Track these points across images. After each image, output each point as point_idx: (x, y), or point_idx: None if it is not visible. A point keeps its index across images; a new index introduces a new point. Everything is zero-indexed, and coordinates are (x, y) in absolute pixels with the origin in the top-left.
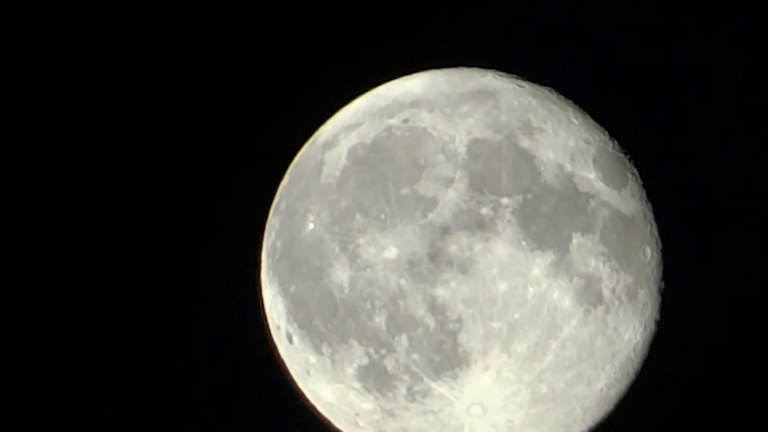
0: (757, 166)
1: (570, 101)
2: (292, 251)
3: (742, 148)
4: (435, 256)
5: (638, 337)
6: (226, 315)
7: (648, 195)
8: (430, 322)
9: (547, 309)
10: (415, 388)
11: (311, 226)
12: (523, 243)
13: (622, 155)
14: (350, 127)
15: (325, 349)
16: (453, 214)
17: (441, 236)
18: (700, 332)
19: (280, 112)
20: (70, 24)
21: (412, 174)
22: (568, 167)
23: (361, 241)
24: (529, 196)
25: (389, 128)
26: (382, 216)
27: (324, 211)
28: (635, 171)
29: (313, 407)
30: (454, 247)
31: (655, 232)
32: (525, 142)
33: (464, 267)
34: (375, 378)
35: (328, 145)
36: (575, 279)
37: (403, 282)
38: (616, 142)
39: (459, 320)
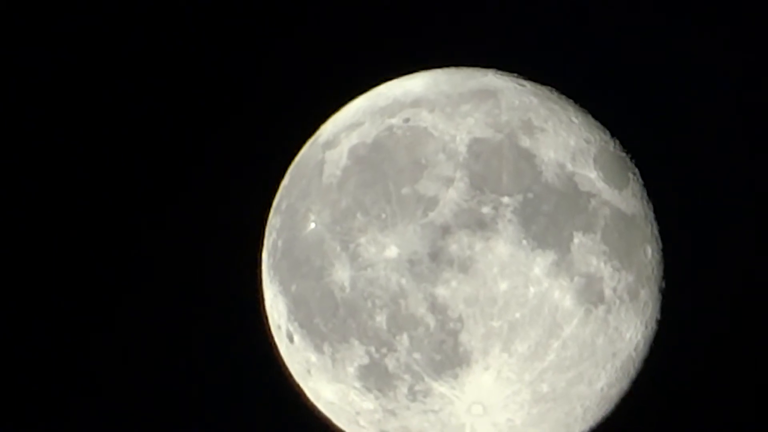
0: (757, 166)
1: (571, 100)
2: (293, 251)
3: (743, 148)
4: (436, 256)
5: (639, 336)
6: (226, 314)
7: (649, 194)
8: (431, 321)
9: (548, 308)
10: (416, 388)
11: (312, 225)
12: (524, 242)
13: (623, 155)
14: (351, 127)
15: (326, 348)
16: (454, 213)
17: (442, 235)
18: (701, 331)
19: (280, 112)
20: (70, 24)
21: (413, 173)
22: (569, 166)
23: (362, 240)
24: (530, 195)
25: (390, 128)
26: (383, 215)
27: (325, 210)
28: (636, 170)
29: (313, 406)
30: (454, 246)
31: (656, 232)
32: (526, 142)
33: (465, 266)
34: (376, 377)
35: (329, 144)
36: (576, 278)
37: (403, 281)
38: (617, 141)
39: (460, 319)
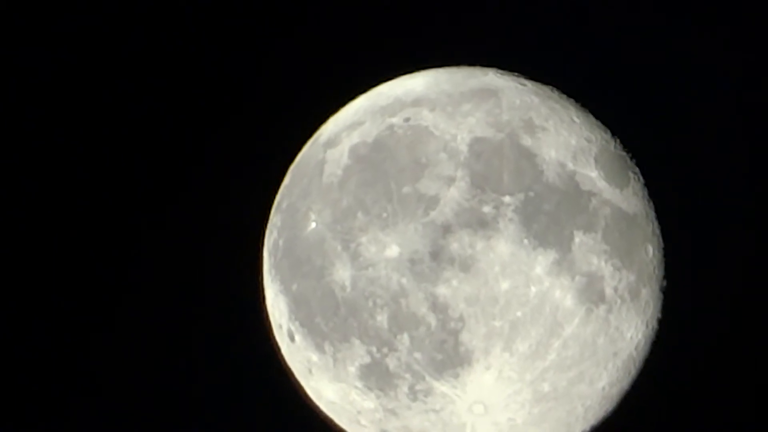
0: (758, 165)
1: (572, 100)
2: (294, 250)
3: (744, 147)
4: (437, 255)
5: (640, 335)
6: (227, 314)
7: (650, 193)
8: (432, 320)
9: (549, 308)
10: (417, 387)
11: (313, 224)
12: (525, 241)
13: (623, 154)
14: (352, 126)
15: (327, 347)
16: (455, 212)
17: (443, 235)
18: (702, 331)
19: (281, 112)
20: (70, 24)
21: (414, 172)
22: (570, 166)
23: (363, 239)
24: (531, 194)
25: (391, 127)
26: (384, 214)
27: (326, 209)
28: (637, 169)
29: (315, 406)
30: (455, 245)
31: (657, 231)
32: (527, 141)
33: (466, 265)
34: (377, 377)
35: (330, 143)
36: (577, 277)
37: (404, 280)
38: (617, 140)
39: (461, 319)
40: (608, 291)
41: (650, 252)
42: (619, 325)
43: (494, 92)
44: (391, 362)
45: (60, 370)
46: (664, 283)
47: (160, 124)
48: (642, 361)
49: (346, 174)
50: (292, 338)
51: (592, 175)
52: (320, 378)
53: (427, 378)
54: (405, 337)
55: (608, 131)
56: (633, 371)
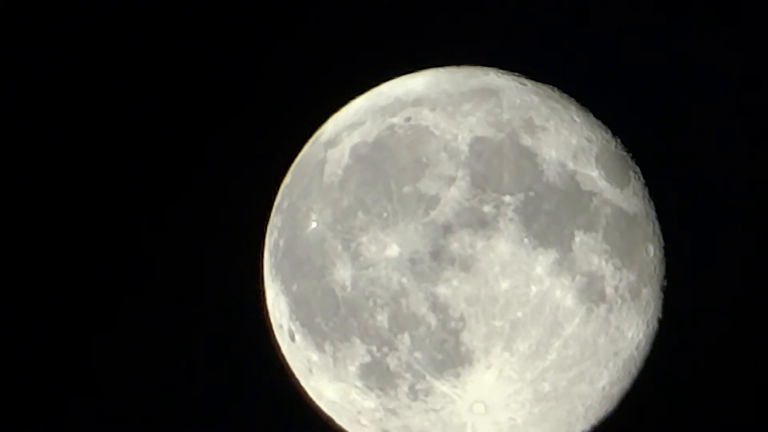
0: (758, 164)
1: (572, 99)
2: (295, 250)
3: (744, 147)
4: (437, 255)
5: (641, 335)
6: (228, 314)
7: (650, 193)
8: (432, 320)
9: (550, 307)
10: (418, 387)
11: (314, 224)
12: (526, 241)
13: (624, 153)
14: (353, 126)
15: (327, 347)
16: (455, 212)
17: (443, 234)
18: (702, 330)
19: (281, 112)
20: (70, 24)
21: (415, 172)
22: (571, 165)
23: (364, 239)
24: (532, 194)
25: (392, 127)
26: (385, 214)
27: (326, 209)
28: (637, 169)
29: (315, 405)
30: (456, 245)
31: (658, 230)
32: (527, 141)
33: (466, 265)
34: (377, 376)
35: (331, 143)
36: (578, 277)
37: (405, 280)
38: (618, 140)
39: (461, 318)
40: (609, 290)
41: (651, 251)
42: (619, 325)
43: (495, 92)
44: (392, 362)
45: (60, 370)
46: (665, 283)
47: (160, 124)
48: (642, 361)
49: (346, 174)
50: (292, 338)
51: (593, 175)
52: (320, 377)
53: (428, 377)
54: (405, 337)
55: (609, 131)
56: (633, 371)
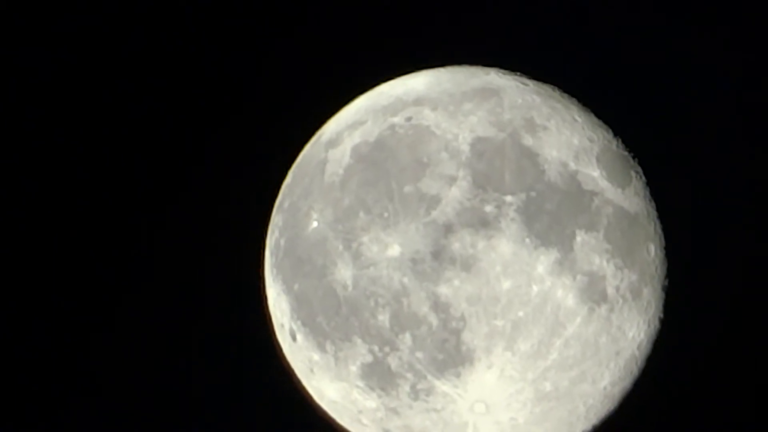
0: (759, 164)
1: (573, 99)
2: (296, 249)
3: (745, 146)
4: (438, 254)
5: (642, 335)
6: (229, 313)
7: (651, 193)
8: (434, 320)
9: (551, 307)
10: (419, 386)
11: (315, 224)
12: (527, 241)
13: (625, 153)
14: (353, 126)
15: (328, 347)
16: (456, 212)
17: (444, 234)
18: (704, 330)
19: (281, 112)
20: (70, 24)
21: (416, 172)
22: (572, 165)
23: (365, 239)
24: (533, 194)
25: (392, 126)
26: (386, 214)
27: (327, 209)
28: (639, 169)
29: (316, 405)
30: (457, 245)
31: (659, 230)
32: (528, 140)
33: (467, 265)
34: (378, 376)
35: (332, 143)
36: (579, 277)
37: (406, 280)
38: (619, 140)
39: (462, 318)
40: (610, 290)
41: (652, 251)
42: (621, 325)
43: (496, 91)
44: (393, 361)
45: (60, 370)
46: (666, 283)
47: (160, 124)
48: (644, 361)
49: (347, 173)
50: (293, 337)
51: (594, 175)
52: (322, 377)
53: (429, 377)
54: (407, 337)
55: (610, 131)
56: (635, 371)
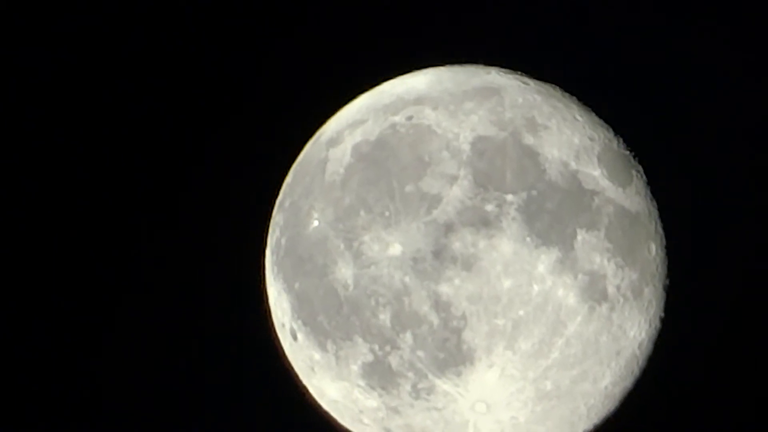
0: (759, 164)
1: (574, 98)
2: (297, 248)
3: (746, 146)
4: (439, 253)
5: (643, 334)
6: (230, 313)
7: (652, 192)
8: (435, 319)
9: (552, 306)
10: (420, 385)
11: (315, 223)
12: (528, 240)
13: (626, 152)
14: (354, 125)
15: (329, 346)
16: (457, 211)
17: (445, 233)
18: (704, 329)
19: (282, 111)
20: (70, 24)
21: (417, 171)
22: (573, 164)
23: (366, 238)
24: (534, 193)
25: (393, 125)
26: (387, 213)
27: (328, 208)
28: (640, 168)
29: (317, 404)
30: (458, 244)
31: (660, 229)
32: (529, 139)
33: (468, 264)
34: (379, 375)
35: (333, 142)
36: (580, 276)
37: (407, 279)
38: (620, 139)
39: (463, 317)
40: (611, 289)
41: (653, 250)
42: (621, 324)
43: (497, 91)
44: (394, 360)
45: (60, 370)
46: (667, 282)
47: (160, 124)
48: (645, 360)
49: (348, 172)
50: (294, 337)
51: (595, 174)
52: (323, 376)
53: (430, 376)
54: (408, 336)
55: (611, 130)
56: (636, 370)
